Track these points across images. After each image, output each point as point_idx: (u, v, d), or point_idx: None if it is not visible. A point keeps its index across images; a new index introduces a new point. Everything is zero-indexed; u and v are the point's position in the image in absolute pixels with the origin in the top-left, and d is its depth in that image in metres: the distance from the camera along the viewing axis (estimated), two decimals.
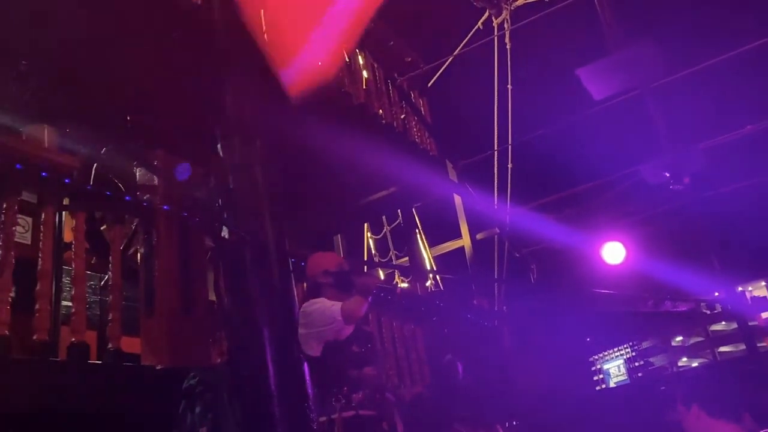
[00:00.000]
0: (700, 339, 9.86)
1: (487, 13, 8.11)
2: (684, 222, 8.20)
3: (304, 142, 5.07)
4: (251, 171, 3.69)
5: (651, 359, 10.02)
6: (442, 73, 8.04)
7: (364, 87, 6.29)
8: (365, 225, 9.78)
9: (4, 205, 3.06)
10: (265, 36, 3.88)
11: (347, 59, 6.18)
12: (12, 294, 2.96)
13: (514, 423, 5.43)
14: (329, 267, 3.45)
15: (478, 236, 7.82)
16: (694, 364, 9.98)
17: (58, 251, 3.37)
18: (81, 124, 4.18)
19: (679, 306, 9.82)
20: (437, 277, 9.10)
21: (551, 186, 8.59)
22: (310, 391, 3.15)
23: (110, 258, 3.47)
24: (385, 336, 5.12)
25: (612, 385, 9.99)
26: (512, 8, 7.96)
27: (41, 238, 3.19)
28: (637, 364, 9.91)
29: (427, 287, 8.79)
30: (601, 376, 10.23)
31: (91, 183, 4.22)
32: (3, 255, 2.95)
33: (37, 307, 3.03)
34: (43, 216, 3.24)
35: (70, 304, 3.28)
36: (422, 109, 7.47)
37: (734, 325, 9.01)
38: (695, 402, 2.37)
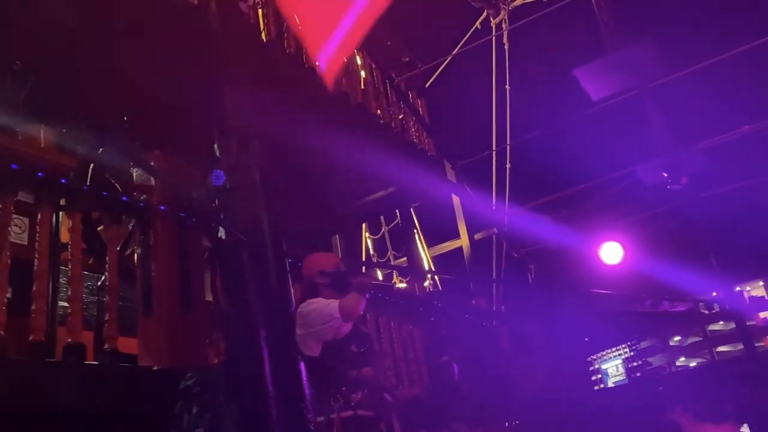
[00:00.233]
0: (698, 339, 9.86)
1: (485, 13, 8.12)
2: (682, 222, 8.20)
3: (301, 143, 5.07)
4: (248, 171, 3.68)
5: (649, 359, 10.02)
6: (440, 73, 8.04)
7: (362, 87, 6.29)
8: (363, 225, 9.77)
9: (0, 206, 3.05)
10: (299, 23, 3.86)
11: (345, 59, 6.18)
12: (8, 294, 2.95)
13: (515, 422, 5.42)
14: (326, 267, 3.46)
15: (477, 236, 7.82)
16: (692, 364, 9.98)
17: (55, 252, 3.36)
18: (77, 124, 4.17)
19: (678, 306, 9.82)
20: (435, 277, 9.10)
21: (549, 186, 8.60)
22: (307, 391, 3.15)
23: (107, 258, 3.46)
24: (383, 336, 5.11)
25: (610, 384, 9.99)
26: (510, 8, 7.96)
27: (38, 238, 3.18)
28: (635, 363, 9.91)
29: (426, 287, 8.79)
30: (599, 375, 10.23)
31: (88, 183, 4.21)
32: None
33: (33, 307, 3.02)
34: (39, 216, 3.23)
35: (66, 304, 3.27)
36: (420, 109, 7.47)
37: (732, 325, 9.01)
38: (682, 405, 2.37)
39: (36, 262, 3.11)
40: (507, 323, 7.16)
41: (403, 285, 8.89)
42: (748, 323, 8.51)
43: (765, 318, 9.55)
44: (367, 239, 10.07)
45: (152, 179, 3.82)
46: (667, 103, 6.86)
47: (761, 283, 10.68)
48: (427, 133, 7.32)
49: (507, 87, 8.03)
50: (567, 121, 7.75)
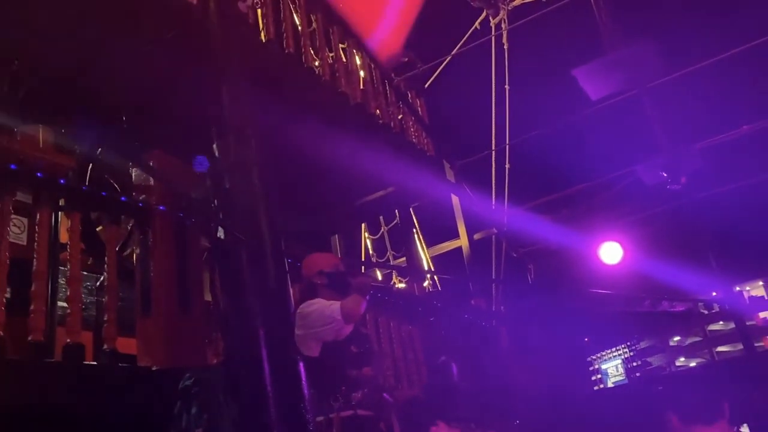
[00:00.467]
0: (697, 339, 9.88)
1: (484, 14, 8.12)
2: (681, 222, 8.20)
3: (300, 142, 5.07)
4: (247, 171, 3.68)
5: (649, 359, 10.04)
6: (439, 73, 8.04)
7: (361, 87, 6.28)
8: (362, 225, 9.77)
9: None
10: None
11: (344, 59, 6.18)
12: (7, 295, 2.95)
13: (515, 422, 5.42)
14: (325, 267, 3.45)
15: (476, 236, 7.82)
16: (692, 364, 10.00)
17: (54, 252, 3.36)
18: (76, 124, 4.17)
19: (677, 306, 9.83)
20: (435, 277, 9.09)
21: (549, 186, 8.60)
22: (306, 391, 3.14)
23: (106, 259, 3.46)
24: (382, 337, 5.11)
25: (610, 384, 10.00)
26: (509, 8, 7.96)
27: (36, 238, 3.18)
28: (635, 363, 9.92)
29: (425, 287, 8.79)
30: (599, 375, 10.24)
31: (87, 183, 4.21)
32: None
33: (32, 307, 3.02)
34: (38, 216, 3.23)
35: (65, 304, 3.27)
36: (419, 109, 7.46)
37: (732, 325, 9.02)
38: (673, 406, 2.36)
39: (35, 263, 3.11)
40: (506, 323, 7.15)
41: (402, 285, 8.89)
42: (748, 323, 8.52)
43: (765, 318, 9.56)
44: (366, 239, 10.07)
45: (151, 179, 3.81)
46: (666, 102, 6.87)
47: (761, 282, 10.69)
48: (427, 133, 7.31)
49: (506, 87, 8.03)
50: (566, 121, 7.75)
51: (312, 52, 5.65)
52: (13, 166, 3.18)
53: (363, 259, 9.34)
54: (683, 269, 7.62)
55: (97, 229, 3.90)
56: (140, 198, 3.81)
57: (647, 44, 5.75)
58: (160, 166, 3.83)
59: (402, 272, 9.18)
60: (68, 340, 3.11)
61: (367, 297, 3.27)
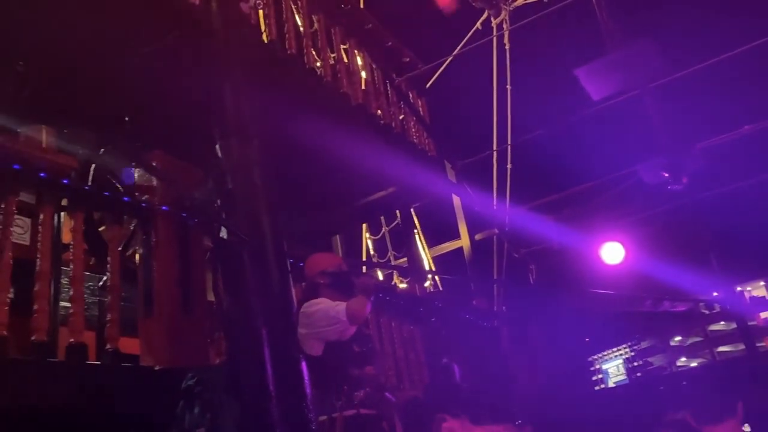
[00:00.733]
0: (698, 339, 9.87)
1: (485, 14, 8.12)
2: (683, 222, 8.20)
3: (302, 143, 5.08)
4: (249, 171, 3.68)
5: (650, 359, 10.03)
6: (440, 73, 8.04)
7: (362, 87, 6.29)
8: (363, 225, 9.78)
9: (3, 206, 3.06)
10: None
11: (346, 60, 6.19)
12: (10, 295, 2.96)
13: (517, 423, 5.42)
14: (327, 267, 3.47)
15: (477, 237, 7.82)
16: (693, 364, 9.99)
17: (57, 252, 3.37)
18: (79, 124, 4.17)
19: (678, 306, 9.83)
20: (436, 277, 9.09)
21: (550, 186, 8.60)
22: (308, 390, 3.15)
23: (109, 259, 3.47)
24: (383, 337, 5.11)
25: (611, 384, 10.00)
26: (511, 8, 7.96)
27: (39, 238, 3.18)
28: (636, 363, 9.92)
29: (426, 288, 8.79)
30: (600, 375, 10.23)
31: (90, 183, 4.22)
32: (1, 255, 2.94)
33: (35, 307, 3.02)
34: (41, 217, 3.24)
35: (68, 304, 3.27)
36: (421, 109, 7.46)
37: (733, 325, 9.02)
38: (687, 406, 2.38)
39: (38, 263, 3.12)
40: (508, 324, 7.16)
41: (403, 285, 8.90)
42: (749, 323, 8.52)
43: (766, 318, 9.55)
44: (367, 240, 10.08)
45: (154, 179, 3.82)
46: (668, 102, 6.86)
47: (762, 283, 10.68)
48: (428, 133, 7.31)
49: (508, 87, 8.03)
50: (567, 121, 7.74)
51: (314, 52, 5.66)
52: (16, 166, 3.18)
53: (364, 260, 9.34)
54: (684, 269, 7.62)
55: (100, 229, 3.91)
56: (143, 198, 3.82)
57: (649, 44, 5.74)
58: (163, 167, 3.83)
59: (403, 272, 9.18)
60: (71, 340, 3.11)
61: (372, 298, 3.27)
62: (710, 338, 9.73)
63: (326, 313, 3.22)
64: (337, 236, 8.17)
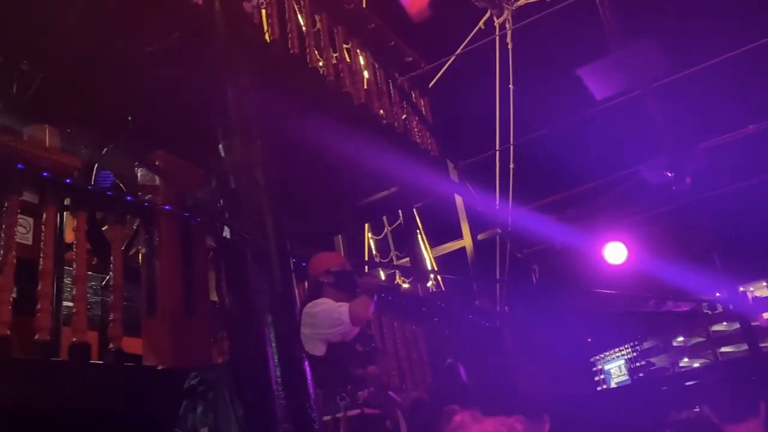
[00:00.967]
0: (701, 339, 9.84)
1: (488, 13, 8.10)
2: (686, 222, 8.19)
3: (304, 142, 5.07)
4: (252, 171, 3.68)
5: (652, 359, 10.00)
6: (443, 72, 8.03)
7: (364, 87, 6.28)
8: (366, 225, 9.77)
9: (6, 205, 3.06)
10: None
11: (348, 60, 6.18)
12: (13, 294, 2.96)
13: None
14: (332, 266, 3.46)
15: (480, 237, 7.80)
16: (696, 365, 9.96)
17: (60, 251, 3.36)
18: (82, 124, 4.18)
19: (681, 306, 9.81)
20: (438, 277, 9.08)
21: (553, 186, 8.59)
22: (311, 390, 3.15)
23: (111, 258, 3.47)
24: (386, 336, 5.11)
25: (613, 385, 9.97)
26: (513, 8, 7.95)
27: (42, 238, 3.18)
28: (638, 364, 9.89)
29: (429, 288, 8.78)
30: (602, 376, 10.21)
31: (93, 183, 4.22)
32: (4, 255, 2.94)
33: (38, 307, 3.02)
34: (44, 216, 3.23)
35: (71, 304, 3.27)
36: (423, 109, 7.46)
37: (735, 326, 8.99)
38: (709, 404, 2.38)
39: (41, 262, 3.12)
40: (510, 324, 7.14)
41: (406, 285, 8.89)
42: (752, 324, 8.49)
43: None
44: (369, 239, 10.07)
45: (157, 179, 3.82)
46: (671, 102, 6.85)
47: (765, 283, 10.66)
48: (430, 133, 7.31)
49: (510, 86, 8.01)
50: (570, 121, 7.74)
51: (316, 52, 5.66)
52: (19, 166, 3.18)
53: (366, 260, 9.33)
54: (687, 269, 7.60)
55: (103, 229, 3.91)
56: (146, 198, 3.82)
57: (652, 43, 5.73)
58: (166, 166, 3.83)
59: (405, 272, 9.17)
60: (74, 340, 3.11)
61: (375, 298, 3.27)
62: (713, 339, 9.69)
63: (330, 314, 3.21)
64: (340, 236, 8.16)
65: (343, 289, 3.36)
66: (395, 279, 9.24)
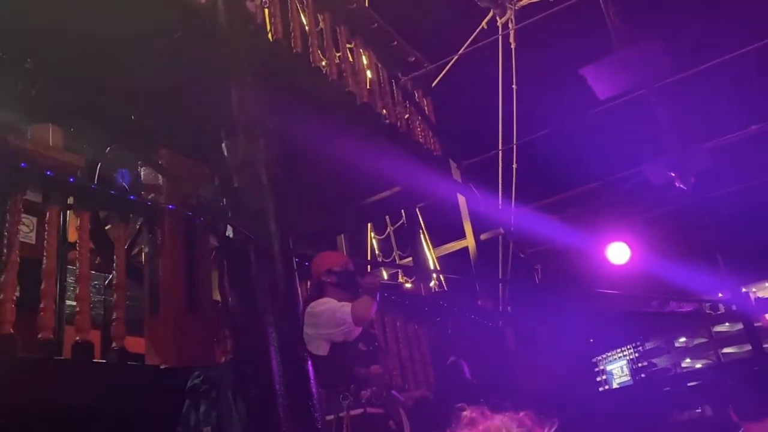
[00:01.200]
0: (703, 340, 9.81)
1: (491, 13, 8.09)
2: (689, 222, 8.17)
3: (307, 142, 5.07)
4: (255, 170, 3.68)
5: (654, 360, 9.97)
6: (446, 72, 8.02)
7: (367, 87, 6.28)
8: (368, 225, 9.76)
9: (9, 204, 3.06)
10: None
11: (351, 59, 6.18)
12: (17, 293, 2.96)
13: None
14: (335, 266, 3.46)
15: (483, 236, 7.79)
16: (698, 365, 9.94)
17: (63, 250, 3.37)
18: (86, 123, 4.18)
19: (683, 307, 9.78)
20: (441, 277, 9.08)
21: (556, 186, 8.58)
22: (314, 389, 3.14)
23: (115, 257, 3.47)
24: (388, 336, 5.10)
25: (615, 386, 9.95)
26: (516, 8, 7.94)
27: (46, 237, 3.18)
28: (640, 365, 9.86)
29: (431, 288, 8.77)
30: (604, 377, 10.19)
31: (96, 182, 4.22)
32: (8, 254, 2.94)
33: (41, 305, 3.03)
34: (47, 215, 3.24)
35: (74, 303, 3.27)
36: (426, 108, 7.45)
37: (738, 326, 8.96)
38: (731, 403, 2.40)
39: (44, 261, 3.12)
40: (513, 324, 7.14)
41: (408, 285, 8.89)
42: (755, 324, 8.46)
43: None
44: (372, 239, 10.07)
45: (160, 178, 3.82)
46: (675, 102, 6.83)
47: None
48: (433, 132, 7.30)
49: (513, 86, 8.00)
50: (573, 121, 7.72)
51: (319, 51, 5.65)
52: (23, 165, 3.18)
53: (369, 259, 9.33)
54: (690, 270, 7.58)
55: (106, 228, 3.91)
56: (149, 197, 3.82)
57: (656, 43, 5.72)
58: (169, 165, 3.83)
59: (408, 272, 9.16)
60: (77, 339, 3.11)
61: (377, 298, 3.26)
62: (715, 339, 9.66)
63: (332, 314, 3.21)
64: (342, 235, 8.16)
65: (345, 288, 3.36)
66: (398, 279, 9.23)
